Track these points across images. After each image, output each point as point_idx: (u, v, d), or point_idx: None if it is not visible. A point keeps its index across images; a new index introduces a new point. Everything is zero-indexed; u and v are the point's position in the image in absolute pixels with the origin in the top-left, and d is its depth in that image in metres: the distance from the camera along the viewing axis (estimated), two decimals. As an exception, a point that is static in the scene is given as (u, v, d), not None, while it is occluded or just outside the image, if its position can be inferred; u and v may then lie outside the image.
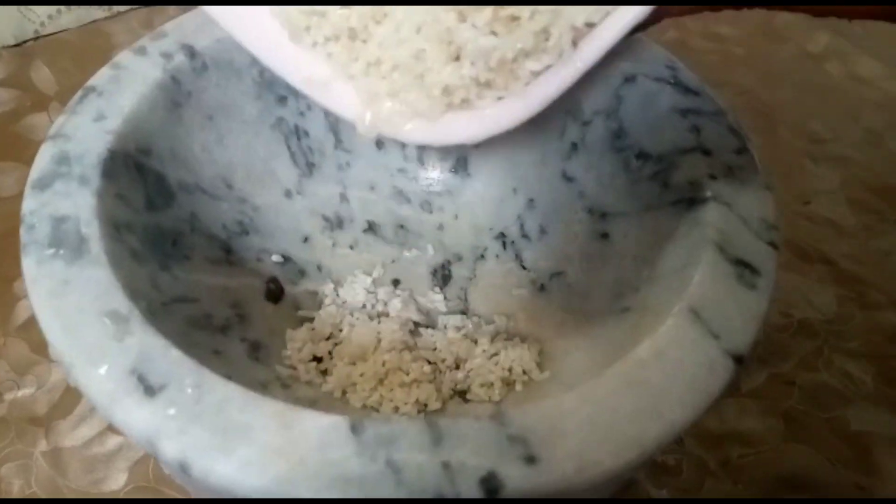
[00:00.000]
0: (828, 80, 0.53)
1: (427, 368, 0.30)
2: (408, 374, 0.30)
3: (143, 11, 0.55)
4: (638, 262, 0.29)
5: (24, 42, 0.52)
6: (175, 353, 0.22)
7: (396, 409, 0.29)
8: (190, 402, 0.21)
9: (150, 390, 0.21)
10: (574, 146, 0.34)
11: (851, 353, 0.38)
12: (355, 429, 0.20)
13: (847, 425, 0.36)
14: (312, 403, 0.23)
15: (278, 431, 0.20)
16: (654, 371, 0.22)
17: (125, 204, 0.27)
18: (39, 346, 0.37)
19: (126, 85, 0.29)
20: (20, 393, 0.35)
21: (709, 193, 0.26)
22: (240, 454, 0.20)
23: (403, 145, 0.37)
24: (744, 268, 0.24)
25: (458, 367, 0.31)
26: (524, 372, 0.30)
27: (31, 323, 0.37)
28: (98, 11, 0.54)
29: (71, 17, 0.53)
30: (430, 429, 0.20)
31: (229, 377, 0.22)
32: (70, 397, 0.35)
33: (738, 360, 0.22)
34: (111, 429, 0.34)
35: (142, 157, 0.29)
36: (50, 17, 0.53)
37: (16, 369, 0.36)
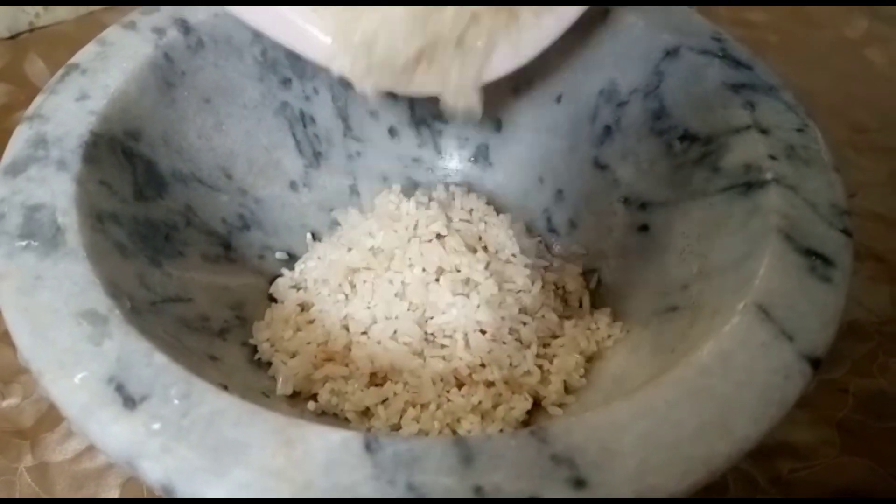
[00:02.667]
0: (869, 67, 0.49)
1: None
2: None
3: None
4: (685, 257, 0.26)
5: (19, 35, 0.49)
6: (160, 359, 0.19)
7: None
8: (175, 415, 0.18)
9: (129, 401, 0.18)
10: (608, 130, 0.31)
11: (912, 358, 0.35)
12: (370, 447, 0.17)
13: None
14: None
15: (279, 450, 0.17)
16: (719, 378, 0.18)
17: (110, 192, 0.24)
18: (25, 353, 0.34)
19: (113, 62, 0.26)
20: (4, 403, 0.33)
21: (769, 176, 0.23)
22: (234, 477, 0.17)
23: (418, 132, 0.34)
24: (816, 259, 0.21)
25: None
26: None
27: (16, 328, 0.34)
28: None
29: (67, 7, 0.51)
30: (457, 447, 0.17)
31: (225, 386, 0.19)
32: (57, 410, 0.33)
33: (816, 364, 0.19)
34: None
35: (130, 141, 0.26)
36: (45, 8, 0.50)
37: (0, 378, 0.33)
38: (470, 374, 0.26)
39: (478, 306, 0.27)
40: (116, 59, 0.26)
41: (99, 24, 0.51)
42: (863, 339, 0.36)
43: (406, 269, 0.28)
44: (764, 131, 0.25)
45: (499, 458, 0.17)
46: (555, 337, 0.29)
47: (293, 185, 0.33)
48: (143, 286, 0.23)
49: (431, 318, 0.27)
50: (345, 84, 0.32)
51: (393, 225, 0.29)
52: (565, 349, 0.28)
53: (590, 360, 0.28)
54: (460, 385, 0.26)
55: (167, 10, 0.28)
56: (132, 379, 0.18)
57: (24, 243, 0.21)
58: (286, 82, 0.32)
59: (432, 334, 0.27)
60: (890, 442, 0.32)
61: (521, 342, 0.27)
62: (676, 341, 0.23)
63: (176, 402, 0.18)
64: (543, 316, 0.28)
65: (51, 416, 0.33)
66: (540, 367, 0.27)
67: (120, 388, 0.18)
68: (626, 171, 0.30)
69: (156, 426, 0.17)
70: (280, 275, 0.31)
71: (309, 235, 0.33)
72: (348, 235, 0.31)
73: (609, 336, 0.28)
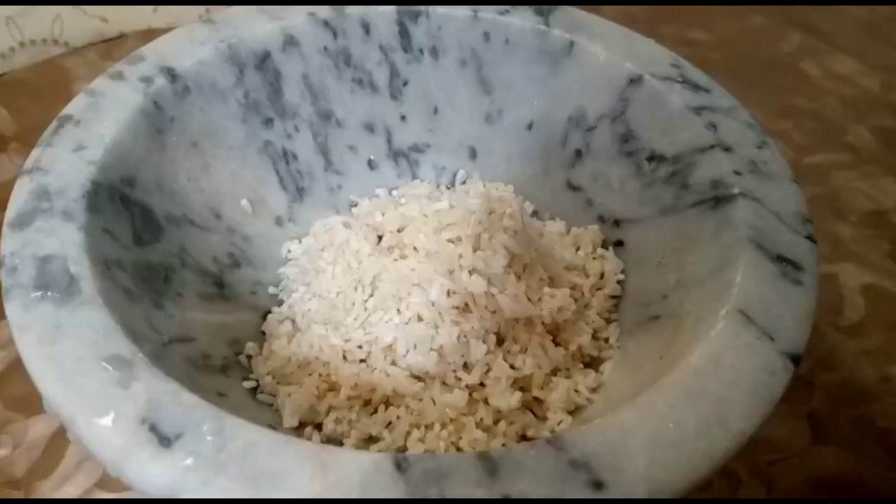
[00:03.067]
0: (805, 80, 0.53)
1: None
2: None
3: (102, 45, 0.52)
4: (662, 269, 0.28)
5: (-23, 83, 0.49)
6: (188, 398, 0.19)
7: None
8: (211, 450, 0.18)
9: (165, 440, 0.18)
10: (578, 153, 0.32)
11: (868, 350, 0.37)
12: (400, 466, 0.18)
13: (872, 423, 0.35)
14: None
15: (316, 475, 0.18)
16: (712, 379, 0.20)
17: (112, 239, 0.25)
18: (15, 402, 0.34)
19: (105, 112, 0.27)
20: (-5, 455, 0.32)
21: (736, 190, 0.25)
22: None
23: (396, 163, 0.36)
24: (786, 264, 0.23)
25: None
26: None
27: (6, 377, 0.34)
28: (54, 48, 0.52)
29: (24, 55, 0.51)
30: (482, 461, 0.18)
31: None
32: (51, 455, 0.32)
33: (796, 360, 0.21)
34: (99, 486, 0.31)
35: (126, 188, 0.27)
36: (3, 56, 0.50)
37: (-13, 429, 0.33)
38: (471, 394, 0.27)
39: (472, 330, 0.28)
40: (108, 108, 0.27)
41: (58, 69, 0.51)
42: (822, 335, 0.38)
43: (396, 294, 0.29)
44: (727, 149, 0.27)
45: (521, 468, 0.18)
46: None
47: (279, 221, 0.34)
48: (151, 329, 0.24)
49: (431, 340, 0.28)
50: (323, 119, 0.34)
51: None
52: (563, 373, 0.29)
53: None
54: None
55: (152, 60, 0.29)
56: (164, 418, 0.19)
57: (39, 294, 0.21)
58: (268, 122, 0.33)
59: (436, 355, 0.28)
60: (855, 429, 0.35)
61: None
62: (663, 348, 0.25)
63: (209, 438, 0.19)
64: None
65: (44, 464, 0.32)
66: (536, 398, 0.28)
67: (153, 429, 0.19)
68: (598, 192, 0.32)
69: (192, 462, 0.18)
70: (270, 311, 0.32)
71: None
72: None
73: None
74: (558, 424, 0.27)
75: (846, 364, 0.37)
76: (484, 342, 0.27)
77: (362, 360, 0.29)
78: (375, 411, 0.28)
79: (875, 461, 0.33)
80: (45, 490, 0.32)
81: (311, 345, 0.29)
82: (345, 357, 0.29)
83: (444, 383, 0.27)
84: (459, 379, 0.27)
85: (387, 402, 0.28)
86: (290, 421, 0.27)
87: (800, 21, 0.57)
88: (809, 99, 0.51)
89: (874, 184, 0.46)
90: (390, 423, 0.27)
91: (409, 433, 0.27)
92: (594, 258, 0.31)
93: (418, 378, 0.28)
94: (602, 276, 0.31)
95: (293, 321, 0.31)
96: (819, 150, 0.48)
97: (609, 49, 0.31)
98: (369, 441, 0.27)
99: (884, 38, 0.56)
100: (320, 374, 0.28)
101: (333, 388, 0.28)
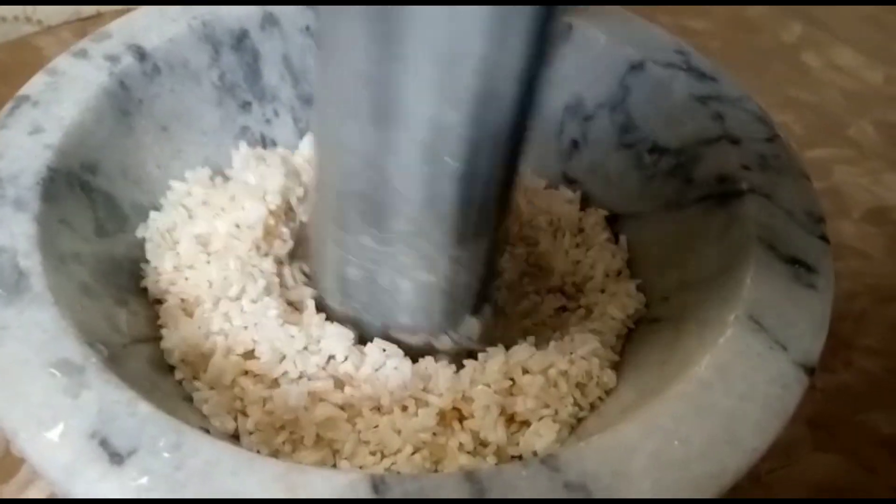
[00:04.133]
0: (806, 71, 0.51)
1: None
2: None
3: (77, 24, 0.50)
4: (662, 268, 0.26)
5: (-55, 62, 0.47)
6: (144, 409, 0.18)
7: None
8: (168, 468, 0.17)
9: (116, 457, 0.17)
10: (575, 144, 0.31)
11: (870, 351, 0.36)
12: (378, 488, 0.16)
13: (877, 428, 0.33)
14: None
15: (283, 499, 0.16)
16: (721, 392, 0.18)
17: (71, 231, 0.23)
18: (-27, 402, 0.32)
19: (66, 93, 0.25)
20: (-49, 458, 0.30)
21: (745, 186, 0.24)
22: (237, 531, 0.16)
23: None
24: (799, 266, 0.21)
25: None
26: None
27: (-37, 376, 0.32)
28: (26, 26, 0.49)
29: (-7, 32, 0.48)
30: (469, 481, 0.17)
31: (207, 430, 0.18)
32: (12, 458, 0.31)
33: (811, 371, 0.19)
34: (64, 492, 0.30)
35: (87, 175, 0.25)
36: (-28, 34, 0.48)
37: (-55, 431, 0.31)
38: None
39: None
40: (69, 89, 0.25)
41: (31, 48, 0.49)
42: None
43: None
44: (735, 142, 0.25)
45: (512, 490, 0.17)
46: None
47: (256, 211, 0.32)
48: (112, 329, 0.22)
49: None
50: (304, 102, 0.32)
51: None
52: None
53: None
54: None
55: (119, 37, 0.27)
56: (116, 432, 0.17)
57: (-16, 291, 0.19)
58: (245, 106, 0.31)
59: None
60: (858, 435, 0.33)
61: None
62: (664, 354, 0.23)
63: (166, 454, 0.17)
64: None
65: (4, 466, 0.31)
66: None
67: (104, 443, 0.17)
68: (595, 185, 0.30)
69: (147, 481, 0.16)
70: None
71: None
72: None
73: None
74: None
75: (850, 365, 0.35)
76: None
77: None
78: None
79: (878, 471, 0.32)
80: (6, 494, 0.30)
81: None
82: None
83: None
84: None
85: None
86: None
87: (801, 12, 0.55)
88: (810, 91, 0.50)
89: (877, 179, 0.44)
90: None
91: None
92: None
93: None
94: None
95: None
96: (820, 144, 0.46)
97: (609, 33, 0.29)
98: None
99: (887, 30, 0.55)
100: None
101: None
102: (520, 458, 0.23)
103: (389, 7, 0.16)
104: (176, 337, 0.24)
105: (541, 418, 0.23)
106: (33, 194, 0.22)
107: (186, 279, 0.26)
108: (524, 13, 0.16)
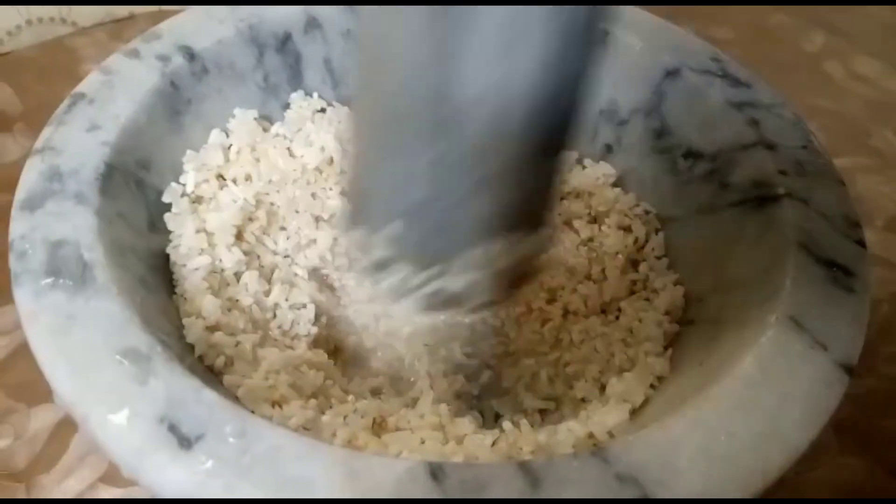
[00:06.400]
0: (828, 81, 0.52)
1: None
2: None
3: (111, 26, 0.51)
4: (697, 271, 0.27)
5: (-18, 61, 0.48)
6: (210, 396, 0.18)
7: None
8: (234, 453, 0.17)
9: (185, 441, 0.17)
10: (608, 148, 0.31)
11: (894, 358, 0.36)
12: (436, 475, 0.17)
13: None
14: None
15: (346, 483, 0.17)
16: (765, 389, 0.19)
17: (127, 225, 0.24)
18: (17, 390, 0.32)
19: (120, 91, 0.26)
20: (-5, 445, 0.31)
21: (782, 190, 0.24)
22: (302, 514, 0.16)
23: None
24: (837, 270, 0.22)
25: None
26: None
27: (8, 364, 0.33)
28: (61, 27, 0.50)
29: (31, 33, 0.49)
30: (522, 471, 0.17)
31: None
32: (54, 447, 0.31)
33: (850, 371, 0.20)
34: (104, 480, 0.30)
35: (141, 171, 0.25)
36: (9, 33, 0.48)
37: (-12, 419, 0.32)
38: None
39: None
40: (123, 87, 0.26)
41: (65, 49, 0.50)
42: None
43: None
44: (770, 147, 0.26)
45: (565, 480, 0.17)
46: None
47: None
48: (168, 321, 0.23)
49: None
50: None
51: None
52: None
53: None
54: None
55: (169, 38, 0.28)
56: (184, 418, 0.18)
57: (50, 281, 0.20)
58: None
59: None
60: (885, 440, 0.34)
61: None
62: (701, 354, 0.23)
63: (232, 440, 0.17)
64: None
65: (46, 456, 0.31)
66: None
67: (173, 429, 0.17)
68: (629, 189, 0.31)
69: (213, 465, 0.17)
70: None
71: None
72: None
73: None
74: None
75: (874, 371, 0.36)
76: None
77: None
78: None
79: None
80: (46, 483, 0.31)
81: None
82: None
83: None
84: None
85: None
86: None
87: (823, 21, 0.56)
88: (832, 100, 0.50)
89: (900, 188, 0.45)
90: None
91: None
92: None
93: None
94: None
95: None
96: (843, 152, 0.47)
97: (645, 41, 0.29)
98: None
99: (909, 40, 0.55)
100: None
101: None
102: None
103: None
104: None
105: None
106: (93, 189, 0.23)
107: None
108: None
